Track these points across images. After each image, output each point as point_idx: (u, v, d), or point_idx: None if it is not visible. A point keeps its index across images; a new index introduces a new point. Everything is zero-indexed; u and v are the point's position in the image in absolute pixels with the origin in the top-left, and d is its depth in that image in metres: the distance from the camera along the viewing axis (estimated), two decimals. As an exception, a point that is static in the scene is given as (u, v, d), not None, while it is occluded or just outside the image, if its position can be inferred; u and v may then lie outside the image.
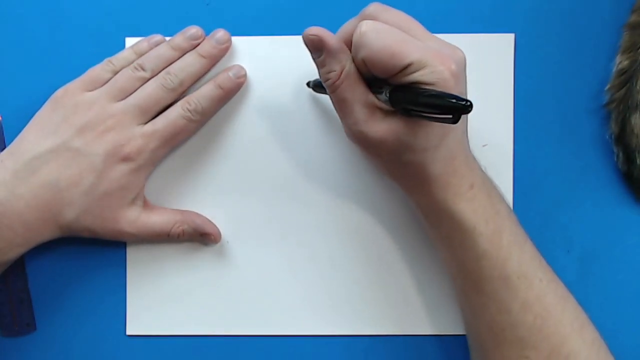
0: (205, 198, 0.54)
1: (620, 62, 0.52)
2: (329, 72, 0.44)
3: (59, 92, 0.51)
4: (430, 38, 0.44)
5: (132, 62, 0.51)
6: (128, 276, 0.54)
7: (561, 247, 0.53)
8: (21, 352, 0.54)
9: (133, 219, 0.51)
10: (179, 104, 0.51)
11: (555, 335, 0.45)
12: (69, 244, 0.53)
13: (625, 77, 0.51)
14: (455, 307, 0.53)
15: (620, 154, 0.52)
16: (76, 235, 0.51)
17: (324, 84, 0.46)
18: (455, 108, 0.38)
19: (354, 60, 0.44)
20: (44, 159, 0.49)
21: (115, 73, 0.51)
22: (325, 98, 0.53)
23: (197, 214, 0.53)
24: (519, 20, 0.53)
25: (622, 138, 0.52)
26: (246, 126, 0.54)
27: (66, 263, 0.54)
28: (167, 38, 0.52)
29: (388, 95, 0.42)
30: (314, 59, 0.45)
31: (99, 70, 0.51)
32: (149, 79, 0.51)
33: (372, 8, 0.45)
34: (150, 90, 0.50)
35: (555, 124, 0.53)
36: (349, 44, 0.44)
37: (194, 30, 0.52)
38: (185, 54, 0.51)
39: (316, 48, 0.45)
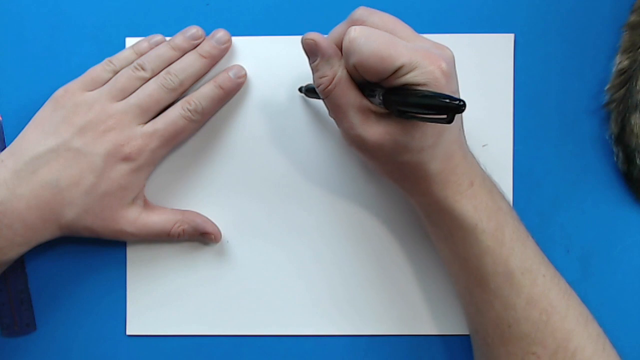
0: (205, 198, 0.54)
1: (620, 62, 0.52)
2: (322, 77, 0.45)
3: (59, 92, 0.51)
4: (418, 39, 0.44)
5: (133, 62, 0.51)
6: (128, 276, 0.54)
7: (561, 247, 0.53)
8: (21, 352, 0.54)
9: (133, 218, 0.51)
10: (179, 103, 0.51)
11: (561, 330, 0.45)
12: (69, 244, 0.53)
13: (625, 77, 0.51)
14: (458, 307, 0.53)
15: (620, 154, 0.52)
16: (76, 235, 0.51)
17: (317, 90, 0.46)
18: (448, 108, 0.38)
19: (345, 66, 0.44)
20: (44, 158, 0.49)
21: (116, 73, 0.51)
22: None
23: (197, 213, 0.53)
24: (519, 20, 0.53)
25: (621, 138, 0.52)
26: (246, 126, 0.54)
27: (66, 263, 0.54)
28: (168, 38, 0.52)
29: (381, 98, 0.42)
30: (310, 63, 0.46)
31: (99, 70, 0.51)
32: (149, 79, 0.51)
33: (360, 12, 0.45)
34: (151, 90, 0.50)
35: (555, 124, 0.53)
36: (340, 48, 0.45)
37: (194, 30, 0.52)
38: (185, 54, 0.51)
39: (312, 52, 0.45)
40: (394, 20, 0.45)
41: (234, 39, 0.53)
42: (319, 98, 0.47)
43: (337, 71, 0.44)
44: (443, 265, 0.52)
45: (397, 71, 0.42)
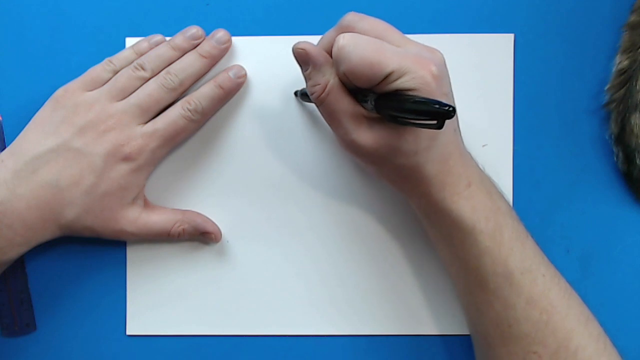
0: (205, 197, 0.54)
1: (620, 62, 0.52)
2: (314, 86, 0.45)
3: (59, 92, 0.51)
4: (408, 43, 0.44)
5: (133, 62, 0.51)
6: (128, 276, 0.54)
7: (561, 247, 0.53)
8: (21, 352, 0.54)
9: (133, 218, 0.51)
10: (179, 103, 0.51)
11: (562, 330, 0.45)
12: (69, 244, 0.53)
13: (625, 77, 0.51)
14: (458, 307, 0.53)
15: (620, 154, 0.52)
16: (76, 235, 0.51)
17: (310, 97, 0.46)
18: (438, 113, 0.39)
19: (337, 73, 0.44)
20: (44, 158, 0.49)
21: (116, 73, 0.51)
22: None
23: (197, 213, 0.53)
24: (519, 20, 0.53)
25: (621, 138, 0.52)
26: (246, 126, 0.54)
27: (66, 263, 0.54)
28: (168, 38, 0.52)
29: (373, 103, 0.43)
30: (302, 72, 0.46)
31: (99, 70, 0.51)
32: (149, 79, 0.51)
33: (349, 18, 0.45)
34: (151, 90, 0.50)
35: (555, 124, 0.53)
36: (331, 55, 0.45)
37: (194, 30, 0.52)
38: (185, 54, 0.51)
39: (303, 61, 0.45)
40: (384, 26, 0.45)
41: (234, 39, 0.53)
42: (310, 102, 0.47)
43: (329, 79, 0.44)
44: (443, 265, 0.52)
45: (387, 77, 0.42)
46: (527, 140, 0.53)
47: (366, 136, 0.44)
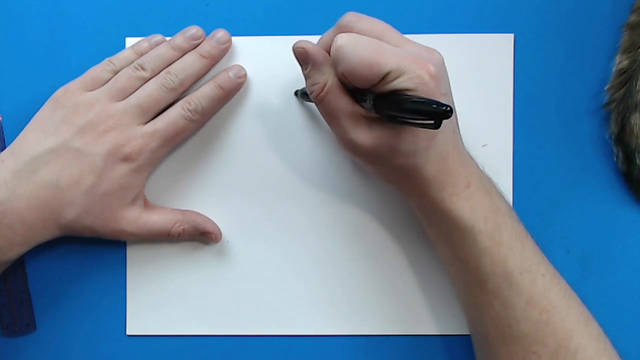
0: (205, 197, 0.54)
1: (619, 62, 0.52)
2: (313, 85, 0.45)
3: (59, 92, 0.51)
4: (407, 43, 0.44)
5: (133, 62, 0.51)
6: (128, 276, 0.54)
7: (561, 247, 0.53)
8: (21, 352, 0.54)
9: (133, 218, 0.51)
10: (179, 104, 0.51)
11: (562, 330, 0.45)
12: (69, 244, 0.53)
13: (625, 77, 0.51)
14: (458, 307, 0.53)
15: (620, 154, 0.52)
16: (76, 235, 0.51)
17: (310, 96, 0.46)
18: (435, 113, 0.39)
19: (335, 73, 0.44)
20: (44, 158, 0.49)
21: (116, 73, 0.51)
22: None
23: (197, 213, 0.53)
24: (519, 20, 0.53)
25: (621, 138, 0.52)
26: (246, 126, 0.54)
27: (66, 263, 0.54)
28: (168, 38, 0.52)
29: (372, 103, 0.43)
30: (302, 71, 0.46)
31: (99, 70, 0.51)
32: (149, 79, 0.51)
33: (348, 18, 0.45)
34: (151, 90, 0.50)
35: (555, 124, 0.53)
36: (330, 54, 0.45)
37: (194, 30, 0.52)
38: (185, 54, 0.51)
39: (303, 60, 0.46)
40: (382, 26, 0.45)
41: (234, 39, 0.53)
42: (311, 101, 0.47)
43: (328, 78, 0.44)
44: (442, 265, 0.52)
45: (385, 77, 0.42)
46: (527, 140, 0.53)
47: (365, 136, 0.44)
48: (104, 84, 0.51)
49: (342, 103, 0.45)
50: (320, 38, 0.47)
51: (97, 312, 0.54)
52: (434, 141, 0.44)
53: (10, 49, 0.54)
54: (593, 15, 0.53)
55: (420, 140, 0.44)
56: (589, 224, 0.53)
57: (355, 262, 0.54)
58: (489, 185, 0.47)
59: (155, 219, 0.52)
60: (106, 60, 0.52)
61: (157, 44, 0.52)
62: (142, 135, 0.50)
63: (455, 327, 0.53)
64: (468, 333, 0.52)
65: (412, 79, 0.41)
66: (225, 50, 0.53)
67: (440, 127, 0.39)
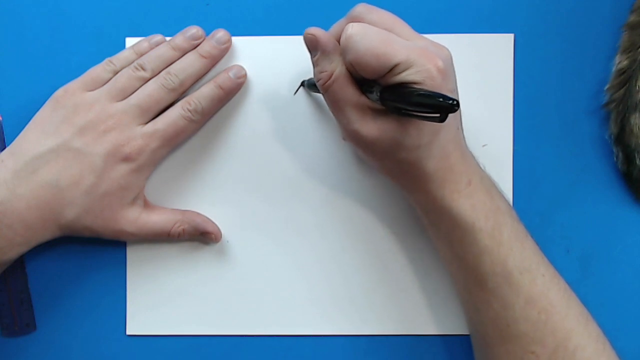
0: (205, 197, 0.54)
1: (619, 62, 0.52)
2: (321, 72, 0.45)
3: (59, 92, 0.51)
4: (416, 37, 0.45)
5: (133, 62, 0.51)
6: (128, 276, 0.54)
7: (561, 247, 0.53)
8: (21, 352, 0.54)
9: (133, 218, 0.51)
10: (179, 104, 0.51)
11: (561, 329, 0.45)
12: (69, 244, 0.53)
13: (625, 77, 0.51)
14: (458, 307, 0.53)
15: (620, 154, 0.52)
16: (76, 235, 0.51)
17: (316, 84, 0.46)
18: (441, 107, 0.39)
19: (344, 63, 0.44)
20: (44, 158, 0.49)
21: (116, 73, 0.51)
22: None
23: (197, 213, 0.53)
24: (519, 20, 0.53)
25: (621, 138, 0.52)
26: (246, 126, 0.54)
27: (66, 263, 0.54)
28: (168, 38, 0.52)
29: (378, 94, 0.43)
30: (311, 58, 0.46)
31: (99, 70, 0.51)
32: (149, 79, 0.51)
33: (359, 9, 0.45)
34: (151, 91, 0.50)
35: (555, 124, 0.53)
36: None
37: (194, 30, 0.52)
38: (185, 54, 0.51)
39: (312, 47, 0.45)
40: (393, 18, 0.45)
41: (234, 39, 0.53)
42: (319, 92, 0.47)
43: (336, 67, 0.44)
44: (443, 265, 0.52)
45: (393, 69, 0.42)
46: (527, 140, 0.53)
47: (369, 127, 0.44)
48: (104, 84, 0.51)
49: (349, 93, 0.45)
50: (332, 27, 0.47)
51: (97, 312, 0.54)
52: (437, 137, 0.44)
53: (10, 49, 0.54)
54: (593, 15, 0.53)
55: (424, 135, 0.44)
56: (589, 224, 0.53)
57: (356, 263, 0.54)
58: (489, 184, 0.47)
59: (155, 219, 0.52)
60: (106, 60, 0.52)
61: (157, 44, 0.52)
62: (142, 136, 0.50)
63: (455, 327, 0.53)
64: (468, 333, 0.52)
65: (420, 72, 0.41)
66: (225, 50, 0.53)
67: (446, 124, 0.39)
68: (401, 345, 0.54)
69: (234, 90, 0.52)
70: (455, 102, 0.38)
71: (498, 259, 0.46)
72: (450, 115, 0.39)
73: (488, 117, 0.53)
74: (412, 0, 0.53)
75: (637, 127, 0.51)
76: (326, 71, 0.45)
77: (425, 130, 0.44)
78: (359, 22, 0.44)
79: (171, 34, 0.52)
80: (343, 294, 0.54)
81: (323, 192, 0.54)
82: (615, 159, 0.53)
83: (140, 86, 0.50)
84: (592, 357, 0.46)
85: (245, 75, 0.53)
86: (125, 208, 0.51)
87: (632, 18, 0.52)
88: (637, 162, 0.52)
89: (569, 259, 0.53)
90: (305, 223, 0.54)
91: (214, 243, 0.53)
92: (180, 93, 0.51)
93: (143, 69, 0.51)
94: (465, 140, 0.47)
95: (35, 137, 0.50)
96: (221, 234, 0.53)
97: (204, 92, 0.51)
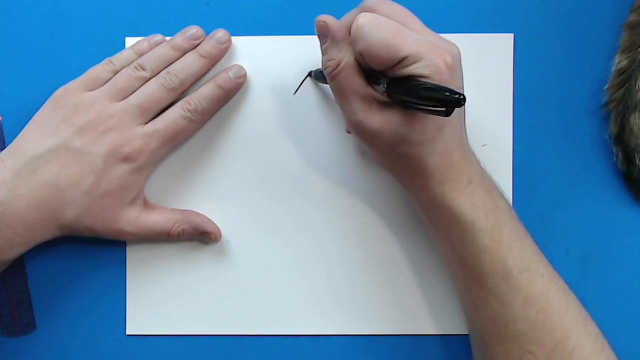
0: (205, 198, 0.54)
1: (619, 62, 0.52)
2: (329, 61, 0.45)
3: (59, 92, 0.51)
4: (427, 32, 0.45)
5: (133, 62, 0.51)
6: (128, 276, 0.54)
7: (561, 247, 0.53)
8: (21, 352, 0.54)
9: (133, 218, 0.51)
10: (179, 104, 0.51)
11: (560, 329, 0.45)
12: (69, 244, 0.53)
13: (625, 77, 0.51)
14: (458, 307, 0.53)
15: (620, 154, 0.52)
16: (76, 235, 0.51)
17: (324, 72, 0.46)
18: (448, 101, 0.39)
19: (353, 53, 0.44)
20: (44, 158, 0.49)
21: (116, 73, 0.51)
22: (325, 96, 0.53)
23: (197, 213, 0.53)
24: (518, 20, 0.53)
25: (621, 138, 0.52)
26: (246, 126, 0.54)
27: (66, 263, 0.54)
28: (168, 38, 0.52)
29: (385, 87, 0.43)
30: (320, 46, 0.46)
31: (99, 70, 0.51)
32: (149, 79, 0.51)
33: (372, 1, 0.45)
34: (151, 91, 0.50)
35: (555, 124, 0.53)
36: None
37: (194, 30, 0.52)
38: (185, 54, 0.51)
39: (322, 34, 0.45)
40: (404, 12, 0.45)
41: (234, 39, 0.53)
42: (327, 83, 0.47)
43: (344, 56, 0.44)
44: (443, 264, 0.52)
45: (402, 61, 0.42)
46: (527, 140, 0.53)
47: (374, 119, 0.44)
48: (104, 84, 0.51)
49: (356, 83, 0.45)
50: (344, 17, 0.47)
51: (97, 312, 0.54)
52: (441, 134, 0.44)
53: (10, 49, 0.54)
54: (593, 15, 0.53)
55: (428, 131, 0.44)
56: (589, 224, 0.53)
57: (355, 263, 0.54)
58: (490, 184, 0.47)
59: (155, 219, 0.52)
60: (106, 60, 0.52)
61: (157, 44, 0.52)
62: (143, 136, 0.50)
63: (455, 327, 0.53)
64: (467, 333, 0.52)
65: (429, 66, 0.42)
66: (225, 50, 0.53)
67: (450, 122, 0.39)
68: (401, 345, 0.54)
69: (234, 91, 0.52)
70: (462, 97, 0.38)
71: (498, 259, 0.46)
72: (455, 112, 0.39)
73: (488, 117, 0.53)
74: (412, 0, 0.53)
75: (637, 127, 0.51)
76: (334, 59, 0.45)
77: (429, 126, 0.44)
78: (371, 13, 0.44)
79: (171, 34, 0.52)
80: (343, 294, 0.54)
81: (323, 192, 0.54)
82: (615, 159, 0.53)
83: (141, 86, 0.50)
84: (591, 357, 0.46)
85: (245, 75, 0.53)
86: (125, 208, 0.51)
87: (632, 18, 0.52)
88: (637, 162, 0.52)
89: (569, 259, 0.53)
90: (305, 223, 0.54)
91: (214, 243, 0.53)
92: (181, 93, 0.51)
93: (143, 69, 0.51)
94: (467, 140, 0.47)
95: (35, 137, 0.50)
96: (221, 234, 0.53)
97: (204, 92, 0.51)
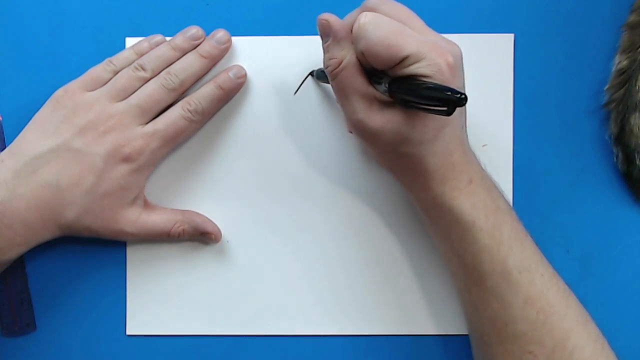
0: (205, 198, 0.54)
1: (619, 61, 0.52)
2: (331, 59, 0.45)
3: (59, 92, 0.51)
4: (429, 32, 0.45)
5: (133, 62, 0.51)
6: (128, 276, 0.54)
7: (561, 247, 0.53)
8: (21, 352, 0.54)
9: (133, 219, 0.51)
10: (179, 104, 0.51)
11: (560, 329, 0.45)
12: (69, 244, 0.53)
13: (625, 77, 0.51)
14: (458, 307, 0.53)
15: (620, 154, 0.52)
16: (76, 235, 0.51)
17: (325, 70, 0.46)
18: (449, 100, 0.39)
19: (355, 52, 0.44)
20: (44, 159, 0.49)
21: (116, 73, 0.51)
22: (325, 96, 0.53)
23: (197, 213, 0.53)
24: (519, 20, 0.53)
25: (621, 138, 0.52)
26: (246, 126, 0.54)
27: (66, 263, 0.54)
28: (168, 38, 0.52)
29: (387, 86, 0.43)
30: (322, 44, 0.46)
31: (99, 70, 0.51)
32: (149, 79, 0.51)
33: (373, 0, 0.45)
34: (151, 91, 0.50)
35: (555, 124, 0.53)
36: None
37: (194, 30, 0.52)
38: (185, 54, 0.51)
39: (325, 33, 0.45)
40: (406, 11, 0.45)
41: (234, 39, 0.53)
42: (328, 82, 0.47)
43: (346, 55, 0.44)
44: (443, 264, 0.52)
45: (403, 61, 0.42)
46: (527, 140, 0.53)
47: (374, 118, 0.44)
48: (104, 84, 0.51)
49: (357, 82, 0.45)
50: (346, 17, 0.47)
51: (97, 312, 0.54)
52: (442, 134, 0.44)
53: (10, 49, 0.54)
54: (593, 15, 0.53)
55: (429, 131, 0.44)
56: (589, 224, 0.53)
57: (356, 263, 0.54)
58: (490, 184, 0.47)
59: (155, 219, 0.52)
60: (106, 60, 0.52)
61: (157, 44, 0.52)
62: (143, 136, 0.50)
63: (455, 327, 0.53)
64: (467, 333, 0.52)
65: (430, 66, 0.42)
66: (225, 50, 0.53)
67: (451, 121, 0.39)
68: (401, 345, 0.54)
69: (234, 91, 0.52)
70: (463, 96, 0.38)
71: (497, 258, 0.46)
72: (456, 112, 0.39)
73: (488, 117, 0.53)
74: (412, 0, 0.53)
75: (637, 127, 0.51)
76: (336, 58, 0.45)
77: (430, 126, 0.44)
78: (373, 12, 0.44)
79: (171, 34, 0.52)
80: (343, 294, 0.54)
81: (323, 192, 0.54)
82: (615, 159, 0.53)
83: (141, 86, 0.50)
84: (591, 357, 0.46)
85: (245, 75, 0.53)
86: (125, 208, 0.51)
87: (632, 18, 0.52)
88: (637, 162, 0.52)
89: (569, 259, 0.53)
90: (305, 223, 0.54)
91: (214, 243, 0.53)
92: (181, 93, 0.51)
93: (143, 69, 0.51)
94: (468, 140, 0.48)
95: (35, 137, 0.50)
96: (221, 234, 0.53)
97: (204, 92, 0.51)
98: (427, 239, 0.53)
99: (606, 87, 0.52)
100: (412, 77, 0.42)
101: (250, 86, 0.53)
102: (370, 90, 0.45)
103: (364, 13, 0.43)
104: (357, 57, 0.44)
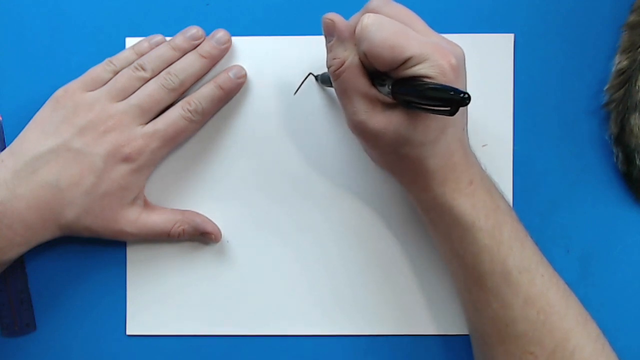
0: (205, 198, 0.54)
1: (619, 62, 0.52)
2: (334, 59, 0.45)
3: (59, 92, 0.51)
4: (431, 33, 0.45)
5: (133, 62, 0.51)
6: (128, 276, 0.54)
7: (561, 247, 0.53)
8: (21, 352, 0.54)
9: (133, 219, 0.51)
10: (179, 104, 0.51)
11: (560, 330, 0.46)
12: (69, 244, 0.53)
13: (625, 77, 0.51)
14: (458, 307, 0.53)
15: (620, 154, 0.52)
16: (76, 235, 0.51)
17: (328, 70, 0.46)
18: (453, 100, 0.39)
19: (358, 53, 0.45)
20: (44, 159, 0.49)
21: (116, 73, 0.51)
22: (325, 97, 0.53)
23: (197, 213, 0.53)
24: (519, 20, 0.53)
25: (621, 138, 0.52)
26: (246, 126, 0.54)
27: (66, 263, 0.54)
28: (168, 38, 0.52)
29: (390, 88, 0.43)
30: (326, 44, 0.46)
31: (99, 70, 0.51)
32: (149, 79, 0.51)
33: (376, 2, 0.45)
34: (151, 91, 0.50)
35: (555, 124, 0.53)
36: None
37: (194, 30, 0.52)
38: (185, 54, 0.51)
39: (329, 32, 0.46)
40: (409, 13, 0.45)
41: (234, 39, 0.53)
42: (331, 86, 0.47)
43: (349, 55, 0.45)
44: (443, 264, 0.52)
45: (406, 62, 0.42)
46: (527, 140, 0.53)
47: (376, 119, 0.44)
48: (104, 84, 0.51)
49: (359, 83, 0.45)
50: (351, 18, 0.47)
51: (97, 312, 0.54)
52: (443, 135, 0.44)
53: (10, 49, 0.54)
54: (593, 15, 0.53)
55: (431, 132, 0.44)
56: (589, 224, 0.53)
57: (356, 263, 0.54)
58: (490, 184, 0.47)
59: (155, 219, 0.52)
60: (106, 60, 0.52)
61: (157, 44, 0.52)
62: (143, 136, 0.50)
63: (455, 327, 0.53)
64: (467, 333, 0.52)
65: (433, 67, 0.42)
66: (225, 50, 0.53)
67: (453, 123, 0.39)
68: (401, 345, 0.54)
69: (234, 91, 0.52)
70: (467, 96, 0.38)
71: (497, 258, 0.46)
72: (458, 113, 0.39)
73: (488, 117, 0.53)
74: (412, 0, 0.53)
75: (637, 127, 0.51)
76: (339, 58, 0.45)
77: (432, 127, 0.44)
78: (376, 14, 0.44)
79: (171, 34, 0.52)
80: (343, 294, 0.54)
81: (323, 192, 0.54)
82: (615, 159, 0.53)
83: (141, 86, 0.50)
84: (591, 357, 0.46)
85: (245, 75, 0.53)
86: (125, 208, 0.51)
87: (632, 18, 0.52)
88: (637, 162, 0.52)
89: (569, 259, 0.53)
90: (305, 223, 0.54)
91: (214, 243, 0.53)
92: (181, 93, 0.51)
93: (143, 69, 0.51)
94: (468, 141, 0.48)
95: (35, 137, 0.50)
96: (221, 234, 0.53)
97: (204, 93, 0.51)
98: (427, 239, 0.53)
99: (606, 87, 0.52)
100: (415, 78, 0.42)
101: (250, 86, 0.53)
102: (373, 91, 0.45)
103: (367, 15, 0.43)
104: (360, 59, 0.44)
